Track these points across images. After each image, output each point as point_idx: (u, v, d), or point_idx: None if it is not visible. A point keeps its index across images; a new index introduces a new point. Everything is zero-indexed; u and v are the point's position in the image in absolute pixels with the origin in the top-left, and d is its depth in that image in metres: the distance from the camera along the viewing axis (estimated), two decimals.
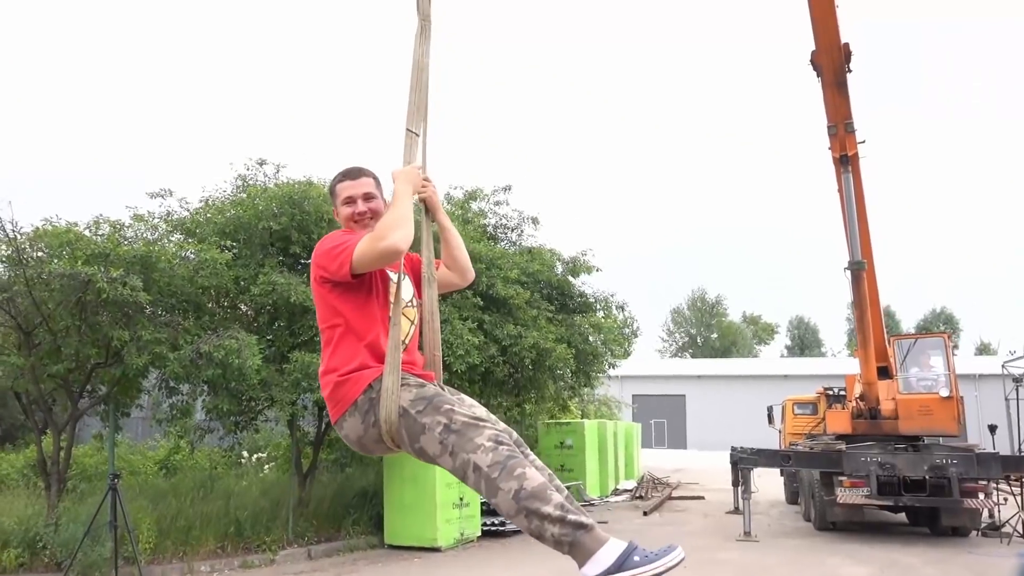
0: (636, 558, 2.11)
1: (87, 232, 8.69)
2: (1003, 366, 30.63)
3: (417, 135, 2.71)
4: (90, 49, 76.71)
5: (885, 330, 12.77)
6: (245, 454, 14.71)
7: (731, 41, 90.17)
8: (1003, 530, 10.79)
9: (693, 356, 65.35)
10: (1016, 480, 10.89)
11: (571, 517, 2.18)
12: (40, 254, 8.14)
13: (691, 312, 68.49)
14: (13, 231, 8.06)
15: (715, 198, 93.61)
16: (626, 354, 15.18)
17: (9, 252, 8.04)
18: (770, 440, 17.71)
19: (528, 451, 2.47)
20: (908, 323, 68.33)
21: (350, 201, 2.71)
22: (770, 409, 17.11)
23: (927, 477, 10.24)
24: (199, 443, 11.34)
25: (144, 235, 9.36)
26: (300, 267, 10.34)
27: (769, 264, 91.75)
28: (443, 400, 2.44)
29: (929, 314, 69.74)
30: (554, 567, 8.86)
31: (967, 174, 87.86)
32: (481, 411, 2.54)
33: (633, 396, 46.33)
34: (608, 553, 2.13)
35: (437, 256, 2.81)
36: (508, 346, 10.78)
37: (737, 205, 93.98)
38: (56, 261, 7.83)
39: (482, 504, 11.32)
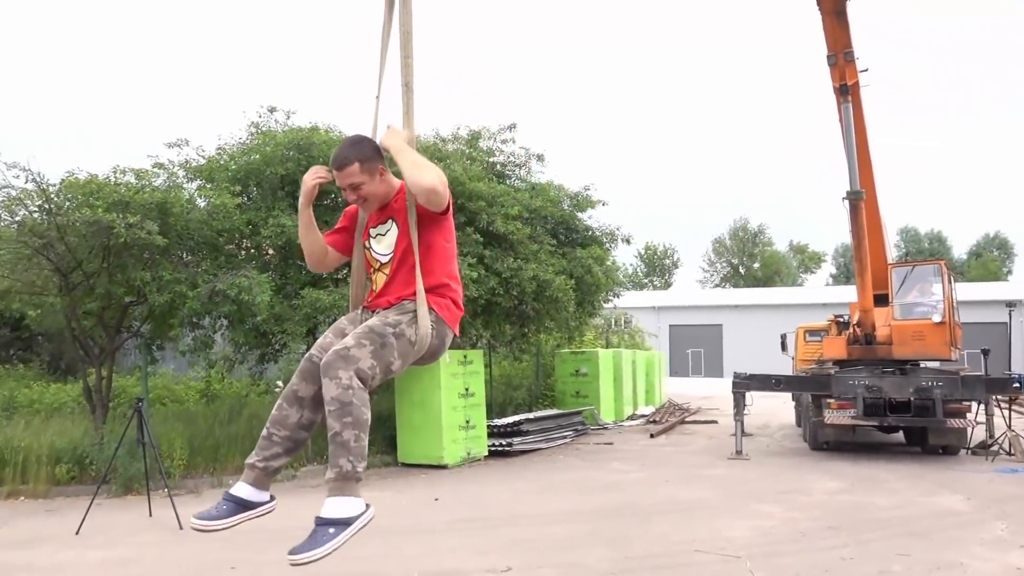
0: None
1: (111, 178, 9.47)
2: None
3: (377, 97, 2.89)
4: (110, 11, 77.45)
5: (889, 258, 12.90)
6: (280, 383, 15.86)
7: None
8: (991, 448, 11.14)
9: (735, 286, 65.06)
10: (1006, 401, 11.16)
11: None
12: (67, 203, 8.95)
13: (733, 242, 67.75)
14: (42, 183, 8.89)
15: (758, 128, 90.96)
16: (621, 284, 15.68)
17: (40, 202, 8.88)
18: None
19: (347, 337, 2.63)
20: (960, 248, 66.56)
21: (344, 192, 2.91)
22: (783, 337, 17.43)
23: (912, 399, 10.61)
24: (228, 373, 12.34)
25: (168, 182, 10.13)
26: None
27: (818, 191, 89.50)
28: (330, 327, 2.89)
29: (983, 239, 67.65)
30: (544, 482, 9.69)
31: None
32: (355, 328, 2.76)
33: (670, 326, 46.84)
34: None
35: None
36: (508, 278, 11.35)
37: (783, 133, 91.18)
38: (81, 210, 8.63)
39: (489, 427, 12.17)
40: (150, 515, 7.67)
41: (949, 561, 5.81)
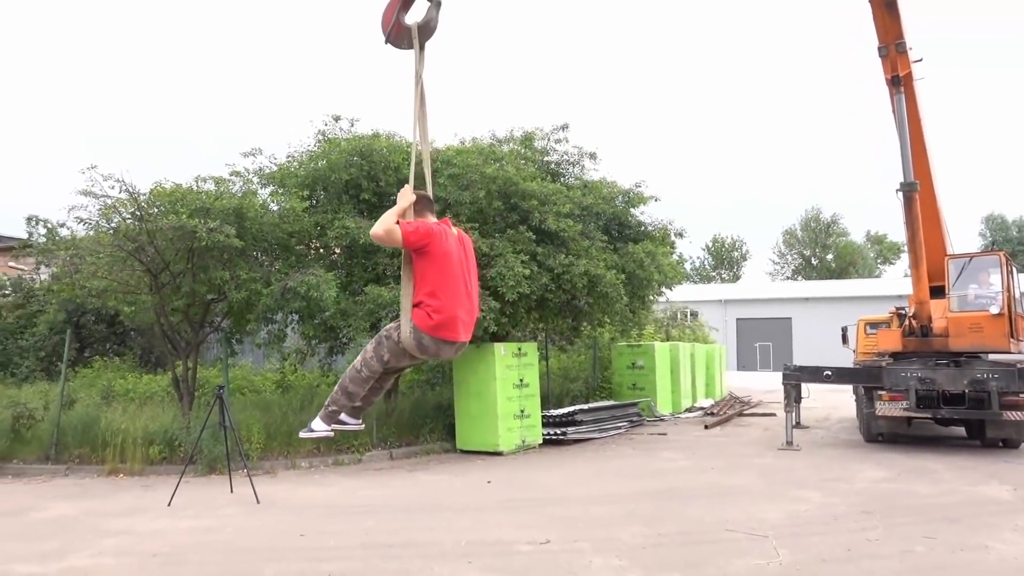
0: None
1: (194, 187, 10.39)
2: None
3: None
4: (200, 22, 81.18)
5: (949, 249, 12.73)
6: None
7: None
8: None
9: (807, 279, 63.45)
10: None
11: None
12: (155, 210, 9.91)
13: (804, 233, 66.03)
14: (134, 192, 9.87)
15: (833, 116, 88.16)
16: (678, 279, 15.89)
17: (133, 210, 9.86)
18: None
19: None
20: None
21: None
22: (844, 329, 17.25)
23: (966, 391, 10.54)
24: (300, 365, 13.23)
25: (243, 189, 11.02)
26: (372, 212, 11.73)
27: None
28: None
29: None
30: (593, 469, 10.13)
31: None
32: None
33: (737, 320, 46.25)
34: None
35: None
36: (560, 274, 11.79)
37: (860, 121, 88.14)
38: (168, 216, 9.55)
39: (544, 416, 12.67)
40: (231, 491, 8.51)
41: (974, 544, 5.99)
